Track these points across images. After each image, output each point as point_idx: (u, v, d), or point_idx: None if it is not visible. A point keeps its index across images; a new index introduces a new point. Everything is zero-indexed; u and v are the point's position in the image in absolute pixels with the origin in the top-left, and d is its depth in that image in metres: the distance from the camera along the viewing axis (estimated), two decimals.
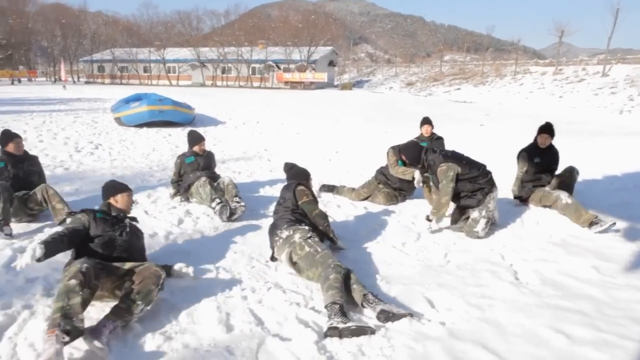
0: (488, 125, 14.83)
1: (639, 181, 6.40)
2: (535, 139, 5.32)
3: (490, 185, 4.35)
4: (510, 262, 3.73)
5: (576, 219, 4.51)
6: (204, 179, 5.18)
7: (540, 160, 5.24)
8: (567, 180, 5.25)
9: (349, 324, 2.62)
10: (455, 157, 4.39)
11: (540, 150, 5.27)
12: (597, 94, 24.43)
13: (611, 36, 29.24)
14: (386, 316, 2.79)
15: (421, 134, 6.31)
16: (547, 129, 5.23)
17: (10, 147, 4.63)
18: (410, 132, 6.41)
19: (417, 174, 5.04)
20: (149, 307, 2.77)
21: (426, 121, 6.30)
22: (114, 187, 3.38)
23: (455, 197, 4.42)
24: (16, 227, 4.25)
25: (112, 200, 3.34)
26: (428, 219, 4.56)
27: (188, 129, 11.87)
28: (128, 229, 3.24)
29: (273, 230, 3.70)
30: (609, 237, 4.31)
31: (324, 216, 3.84)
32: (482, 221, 4.21)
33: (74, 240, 2.92)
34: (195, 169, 5.45)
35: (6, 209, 4.09)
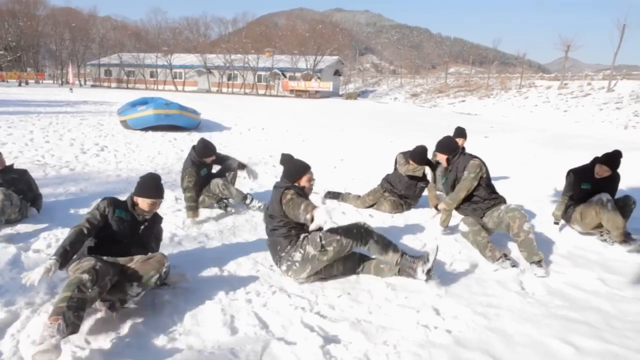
0: (492, 137, 14.81)
1: None
2: (592, 165, 4.63)
3: (503, 200, 4.25)
4: (516, 272, 3.70)
5: (614, 226, 4.24)
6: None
7: (590, 188, 4.59)
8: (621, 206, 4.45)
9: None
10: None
11: (593, 178, 4.60)
12: (602, 109, 24.42)
13: (617, 52, 29.31)
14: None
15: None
16: (609, 162, 4.50)
17: None
18: (415, 142, 6.39)
19: (427, 169, 5.32)
20: (144, 292, 2.79)
21: (462, 134, 6.17)
22: (145, 188, 3.11)
23: (467, 201, 4.25)
24: (21, 227, 4.26)
25: (136, 199, 3.12)
26: (436, 208, 4.68)
27: (193, 133, 11.99)
28: (141, 231, 3.16)
29: (276, 254, 3.39)
30: (616, 250, 4.29)
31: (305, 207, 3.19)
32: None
33: (84, 241, 2.86)
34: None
35: None
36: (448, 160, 4.30)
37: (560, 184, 7.17)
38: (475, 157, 4.18)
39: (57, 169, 6.89)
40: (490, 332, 2.78)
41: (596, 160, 4.58)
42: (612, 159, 4.49)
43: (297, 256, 3.24)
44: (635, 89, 25.58)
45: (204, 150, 5.06)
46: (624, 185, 7.31)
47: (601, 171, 4.53)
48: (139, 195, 3.08)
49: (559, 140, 14.48)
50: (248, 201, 5.09)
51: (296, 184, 3.42)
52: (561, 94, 29.88)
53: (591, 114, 24.06)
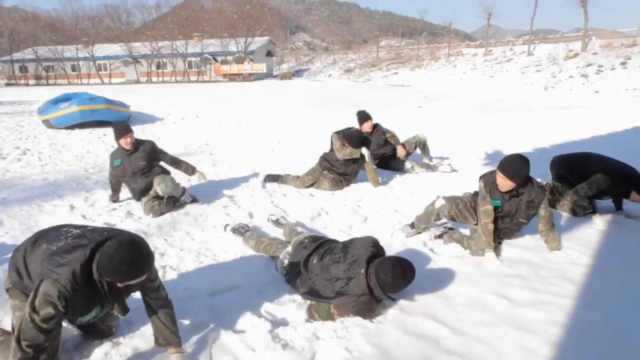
0: (426, 107, 15.26)
1: (564, 151, 6.83)
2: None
3: None
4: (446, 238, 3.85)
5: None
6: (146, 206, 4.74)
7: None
8: None
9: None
10: None
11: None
12: (524, 72, 25.77)
13: (533, 17, 30.87)
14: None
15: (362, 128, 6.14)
16: None
17: None
18: (351, 118, 6.47)
19: (364, 150, 5.38)
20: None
21: (367, 117, 6.22)
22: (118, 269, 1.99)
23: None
24: None
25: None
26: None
27: None
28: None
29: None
30: None
31: None
32: None
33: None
34: (124, 173, 4.85)
35: None
36: (512, 189, 3.36)
37: (490, 147, 7.56)
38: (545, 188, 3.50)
39: None
40: (433, 296, 2.91)
41: (636, 186, 3.96)
42: None
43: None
44: (552, 52, 27.12)
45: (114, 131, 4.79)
46: (547, 143, 7.83)
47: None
48: (108, 275, 2.02)
49: (488, 105, 15.16)
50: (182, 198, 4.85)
51: None
52: (487, 60, 31.18)
53: (514, 78, 25.33)
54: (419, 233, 3.93)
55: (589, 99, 17.15)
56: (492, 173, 3.46)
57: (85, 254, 2.01)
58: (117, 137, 4.74)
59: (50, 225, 2.46)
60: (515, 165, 3.28)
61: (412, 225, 3.95)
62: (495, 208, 3.44)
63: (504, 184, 3.31)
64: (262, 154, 7.83)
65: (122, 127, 4.79)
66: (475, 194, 3.64)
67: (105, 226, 2.37)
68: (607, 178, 3.98)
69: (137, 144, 4.83)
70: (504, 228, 3.56)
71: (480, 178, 3.55)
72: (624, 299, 2.79)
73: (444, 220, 3.82)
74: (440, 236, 3.80)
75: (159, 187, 4.56)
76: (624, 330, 2.48)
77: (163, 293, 2.36)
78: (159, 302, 2.32)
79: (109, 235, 2.14)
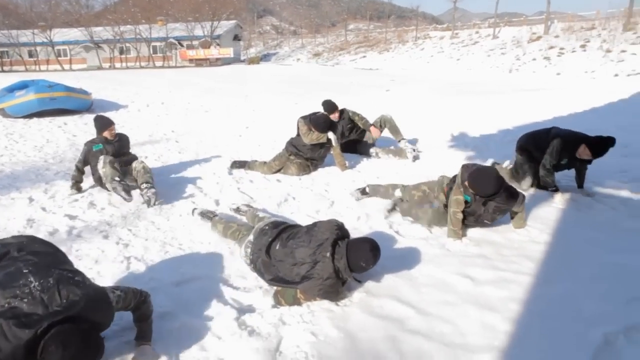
0: (394, 90, 15.33)
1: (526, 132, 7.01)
2: (577, 142, 4.17)
3: None
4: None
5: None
6: (105, 159, 4.65)
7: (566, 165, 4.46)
8: None
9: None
10: None
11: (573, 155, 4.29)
12: (490, 55, 26.15)
13: (498, 0, 31.26)
14: None
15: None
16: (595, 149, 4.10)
17: None
18: (319, 103, 6.42)
19: (331, 134, 5.37)
20: None
21: (333, 108, 6.07)
22: None
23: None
24: None
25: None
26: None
27: (85, 115, 11.08)
28: None
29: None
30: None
31: None
32: None
33: None
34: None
35: None
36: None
37: (457, 129, 7.67)
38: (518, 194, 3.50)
39: None
40: (398, 277, 2.95)
41: (585, 141, 4.13)
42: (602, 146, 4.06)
43: None
44: (516, 35, 27.58)
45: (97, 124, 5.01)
46: (510, 124, 7.99)
47: (584, 154, 4.13)
48: None
49: (455, 88, 15.34)
50: (145, 185, 4.55)
51: None
52: (453, 43, 31.47)
53: (480, 61, 25.68)
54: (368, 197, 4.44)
55: (551, 81, 17.57)
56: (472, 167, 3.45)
57: (34, 334, 1.81)
58: (101, 129, 4.93)
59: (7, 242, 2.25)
60: (482, 182, 3.24)
61: (362, 191, 4.42)
62: (464, 202, 3.43)
63: (468, 191, 3.33)
64: (229, 140, 7.73)
65: (105, 120, 5.03)
66: (454, 178, 3.67)
67: (75, 277, 1.97)
68: (561, 140, 4.20)
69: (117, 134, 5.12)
70: (468, 225, 3.61)
71: (462, 166, 3.52)
72: (581, 275, 2.90)
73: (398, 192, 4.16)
74: (393, 209, 4.04)
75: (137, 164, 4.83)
76: (581, 305, 2.58)
77: (145, 306, 2.40)
78: (136, 313, 2.38)
79: (67, 314, 1.89)
